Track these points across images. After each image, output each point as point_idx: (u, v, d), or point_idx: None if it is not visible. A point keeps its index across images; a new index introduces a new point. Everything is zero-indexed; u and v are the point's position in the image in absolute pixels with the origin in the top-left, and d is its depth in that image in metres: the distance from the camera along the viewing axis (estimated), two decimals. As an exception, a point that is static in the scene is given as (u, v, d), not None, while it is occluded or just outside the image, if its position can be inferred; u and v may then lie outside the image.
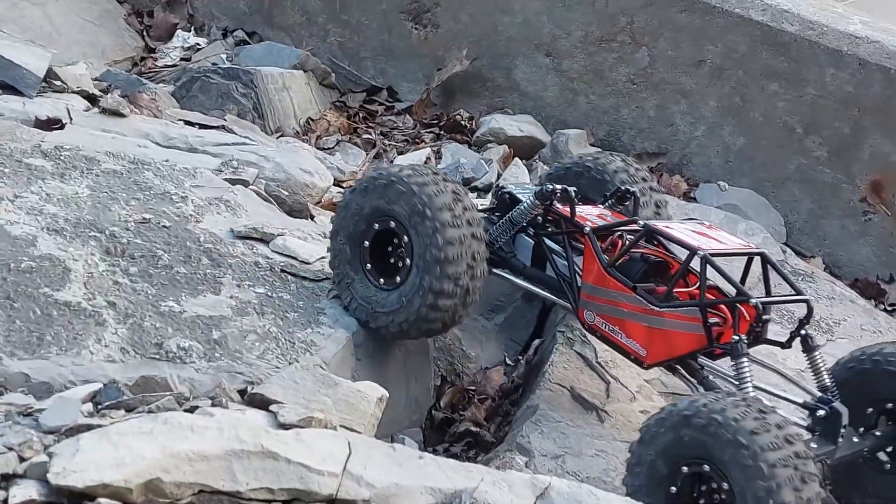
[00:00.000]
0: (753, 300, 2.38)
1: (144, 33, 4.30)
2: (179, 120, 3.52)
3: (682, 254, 2.49)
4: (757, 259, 2.52)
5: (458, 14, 4.17)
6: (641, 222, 2.55)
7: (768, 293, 2.46)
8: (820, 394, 2.41)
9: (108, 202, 2.74)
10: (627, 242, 2.54)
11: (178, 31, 4.29)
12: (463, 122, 4.07)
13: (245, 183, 3.06)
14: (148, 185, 2.87)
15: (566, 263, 2.60)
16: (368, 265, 2.51)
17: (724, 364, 2.44)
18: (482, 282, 2.46)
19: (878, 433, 2.48)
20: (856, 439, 2.43)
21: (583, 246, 2.57)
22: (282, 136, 3.72)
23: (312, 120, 3.93)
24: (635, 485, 2.19)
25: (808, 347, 2.45)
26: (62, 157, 2.94)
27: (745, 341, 2.37)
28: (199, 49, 4.22)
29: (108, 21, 4.23)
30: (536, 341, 2.95)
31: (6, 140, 3.01)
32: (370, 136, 3.96)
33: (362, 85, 4.25)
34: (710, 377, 2.45)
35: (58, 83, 3.50)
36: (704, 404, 2.11)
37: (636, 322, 2.48)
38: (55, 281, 2.36)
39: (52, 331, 2.20)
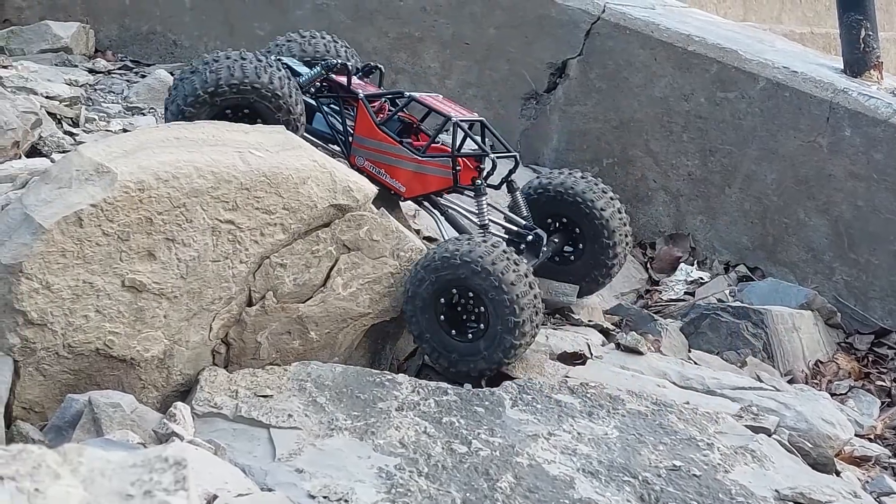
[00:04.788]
0: (492, 155, 3.32)
1: (648, 265, 4.39)
2: (690, 359, 3.53)
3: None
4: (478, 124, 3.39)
5: (980, 256, 3.95)
6: (406, 93, 3.41)
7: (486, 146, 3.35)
8: (524, 222, 3.39)
9: (637, 445, 2.76)
10: (391, 107, 3.43)
11: (681, 265, 4.34)
12: None
13: (767, 431, 2.98)
14: (673, 429, 2.86)
15: (341, 121, 3.41)
16: None
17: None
18: None
19: (555, 239, 3.52)
20: (544, 248, 3.39)
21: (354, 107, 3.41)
22: (792, 380, 3.62)
23: (821, 363, 3.81)
24: (410, 309, 3.03)
25: (512, 189, 3.42)
26: (588, 395, 3.01)
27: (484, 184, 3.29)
28: (701, 283, 4.25)
29: (616, 253, 4.36)
30: None
31: (536, 374, 3.13)
32: (883, 383, 3.77)
33: (870, 326, 4.09)
34: (449, 210, 3.36)
35: (574, 316, 3.62)
36: (457, 249, 2.98)
37: (401, 167, 3.33)
38: (597, 527, 2.37)
39: (598, 582, 2.20)
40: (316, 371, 2.82)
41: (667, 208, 4.54)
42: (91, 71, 5.14)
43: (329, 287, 2.97)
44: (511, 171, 3.37)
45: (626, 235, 3.55)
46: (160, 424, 2.46)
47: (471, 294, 2.98)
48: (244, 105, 3.17)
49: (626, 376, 3.18)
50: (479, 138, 3.35)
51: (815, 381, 3.71)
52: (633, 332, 3.48)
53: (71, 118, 4.15)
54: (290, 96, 3.20)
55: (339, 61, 3.49)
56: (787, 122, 4.27)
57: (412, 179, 3.34)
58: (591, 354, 3.34)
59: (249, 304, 2.86)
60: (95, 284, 2.57)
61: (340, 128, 3.42)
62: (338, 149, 3.44)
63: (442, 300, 3.01)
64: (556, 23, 4.68)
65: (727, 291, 4.14)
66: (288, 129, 3.08)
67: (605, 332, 3.59)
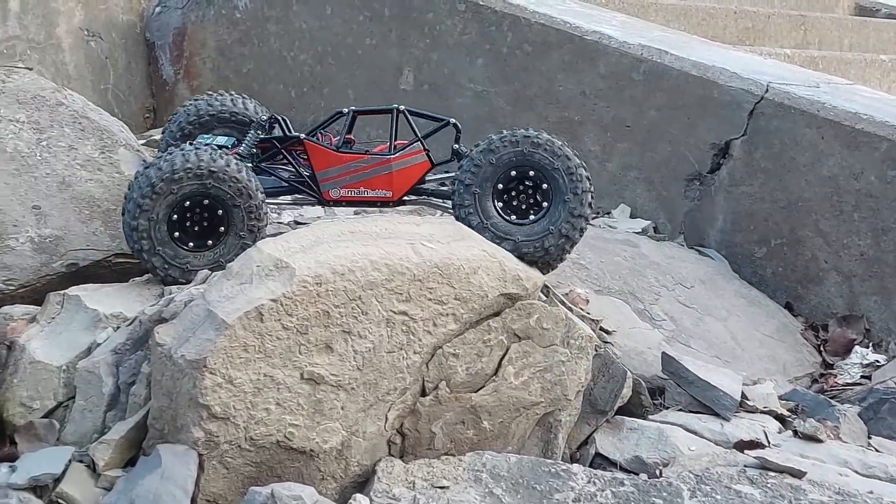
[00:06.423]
0: (453, 120, 3.44)
1: (821, 348, 4.27)
2: (871, 446, 3.41)
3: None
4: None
5: None
6: (345, 109, 3.52)
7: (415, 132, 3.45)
8: None
9: (823, 539, 2.67)
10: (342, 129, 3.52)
11: (856, 347, 4.21)
12: None
13: (957, 522, 2.86)
14: (860, 522, 2.77)
15: (292, 169, 3.44)
16: None
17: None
18: None
19: None
20: None
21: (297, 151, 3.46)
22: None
23: None
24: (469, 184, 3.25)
25: (459, 157, 3.42)
26: (769, 485, 2.93)
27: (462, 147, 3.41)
28: (878, 366, 4.11)
29: (786, 335, 4.26)
30: None
31: (713, 464, 3.07)
32: None
33: None
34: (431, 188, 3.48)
35: (748, 402, 3.54)
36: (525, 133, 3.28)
37: (378, 175, 3.39)
38: None
39: None
40: (491, 461, 2.82)
41: (839, 289, 4.42)
42: (260, 163, 5.29)
43: (501, 376, 2.97)
44: (457, 137, 3.46)
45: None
46: (341, 517, 2.49)
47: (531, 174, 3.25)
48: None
49: (806, 465, 3.08)
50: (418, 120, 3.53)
51: None
52: (811, 419, 3.38)
53: (243, 211, 4.27)
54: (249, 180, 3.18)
55: (265, 117, 3.57)
56: (963, 198, 4.14)
57: (394, 180, 3.43)
58: (769, 442, 3.26)
59: (423, 394, 2.88)
60: (276, 377, 2.62)
61: (296, 174, 3.45)
62: (302, 196, 3.49)
63: (500, 185, 3.25)
64: (718, 104, 4.64)
65: (907, 376, 3.99)
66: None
67: (780, 419, 3.50)
